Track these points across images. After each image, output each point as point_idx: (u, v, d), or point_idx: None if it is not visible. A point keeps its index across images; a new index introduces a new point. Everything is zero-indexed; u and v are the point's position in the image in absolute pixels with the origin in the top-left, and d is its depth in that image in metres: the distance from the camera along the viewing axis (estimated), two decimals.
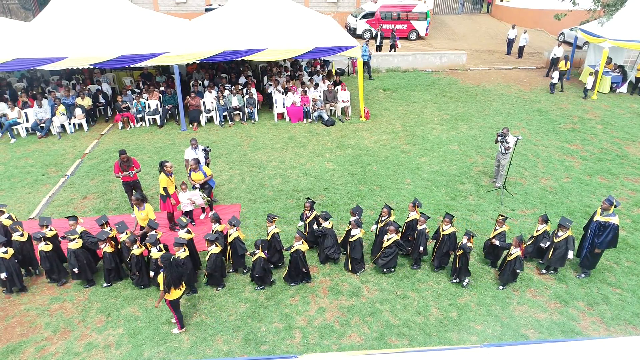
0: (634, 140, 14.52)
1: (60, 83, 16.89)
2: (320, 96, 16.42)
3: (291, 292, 8.29)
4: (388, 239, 8.43)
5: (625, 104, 17.74)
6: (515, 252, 8.14)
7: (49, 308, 7.90)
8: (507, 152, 11.20)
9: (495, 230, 8.76)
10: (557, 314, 7.88)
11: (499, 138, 11.23)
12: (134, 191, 10.11)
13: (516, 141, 11.03)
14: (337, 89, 16.51)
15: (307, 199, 9.30)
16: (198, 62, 15.73)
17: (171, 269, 7.02)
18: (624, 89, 17.41)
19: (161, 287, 7.00)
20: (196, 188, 9.83)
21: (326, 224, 8.71)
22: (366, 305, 8.02)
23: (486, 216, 10.56)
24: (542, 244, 8.72)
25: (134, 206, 8.81)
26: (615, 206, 8.24)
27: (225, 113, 15.78)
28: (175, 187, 9.76)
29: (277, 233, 8.65)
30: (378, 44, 23.39)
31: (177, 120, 15.75)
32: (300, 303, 8.05)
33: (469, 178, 12.26)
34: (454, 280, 8.52)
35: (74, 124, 15.21)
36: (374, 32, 26.13)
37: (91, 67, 14.83)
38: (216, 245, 8.03)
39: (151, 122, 15.77)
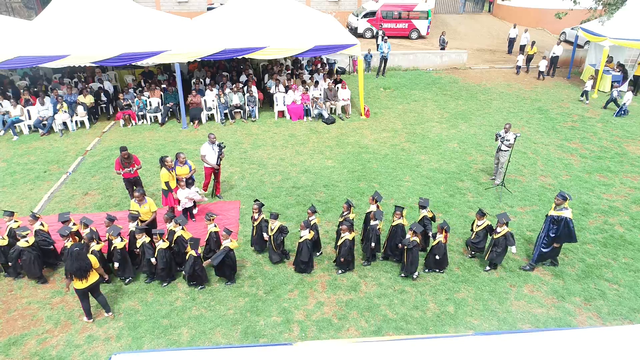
0: (634, 139, 14.55)
1: (63, 81, 17.01)
2: (320, 94, 16.49)
3: (290, 287, 8.36)
4: (342, 237, 8.41)
5: None
6: (502, 229, 8.29)
7: (50, 302, 7.98)
8: (508, 148, 11.25)
9: (478, 226, 8.84)
10: (554, 309, 7.93)
11: (500, 139, 11.30)
12: (134, 187, 10.17)
13: (515, 138, 11.08)
14: (338, 87, 16.59)
15: (255, 200, 9.06)
16: (199, 60, 15.83)
17: (72, 260, 7.03)
18: (624, 87, 17.47)
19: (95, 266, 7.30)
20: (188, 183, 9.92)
21: (305, 233, 8.41)
22: (364, 299, 8.08)
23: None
24: (495, 233, 8.72)
25: (136, 201, 8.87)
26: (567, 200, 8.36)
27: (226, 111, 15.87)
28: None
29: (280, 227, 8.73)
30: (378, 42, 23.43)
31: (178, 118, 15.84)
32: (299, 297, 8.12)
33: (468, 175, 12.31)
34: (402, 275, 8.58)
35: (75, 121, 15.32)
36: (375, 31, 26.20)
37: (93, 65, 14.94)
38: (163, 241, 8.18)
39: (152, 120, 15.88)
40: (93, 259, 7.29)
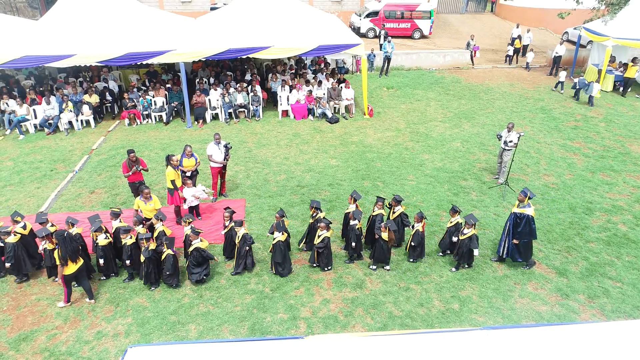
0: (637, 138, 14.60)
1: (68, 80, 17.10)
2: (324, 94, 16.56)
3: (296, 284, 8.44)
4: (319, 236, 8.49)
5: (628, 102, 17.80)
6: (469, 231, 8.39)
7: (60, 298, 8.05)
8: (511, 147, 11.31)
9: (450, 222, 8.94)
10: (558, 307, 7.99)
11: (500, 139, 11.39)
12: (140, 187, 10.13)
13: (519, 137, 11.14)
14: (341, 87, 16.66)
15: (226, 208, 9.01)
16: (203, 59, 15.91)
17: (66, 244, 7.34)
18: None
19: (57, 262, 7.39)
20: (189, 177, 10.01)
21: (278, 235, 8.42)
22: (369, 297, 8.16)
23: (488, 212, 10.68)
24: (453, 237, 8.82)
25: (142, 198, 8.94)
26: (530, 198, 8.45)
27: (231, 110, 15.95)
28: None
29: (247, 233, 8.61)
30: (381, 42, 23.51)
31: (183, 117, 15.94)
32: (305, 295, 8.20)
33: (472, 175, 12.37)
34: (372, 267, 8.79)
35: (81, 120, 15.42)
36: (377, 31, 26.27)
37: (98, 64, 15.04)
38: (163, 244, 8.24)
39: (157, 119, 15.97)
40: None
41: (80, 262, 7.63)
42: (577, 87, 17.85)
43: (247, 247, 8.51)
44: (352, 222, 8.77)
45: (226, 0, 27.51)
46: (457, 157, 13.36)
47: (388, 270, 8.77)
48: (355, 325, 7.58)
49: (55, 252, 7.44)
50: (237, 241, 8.55)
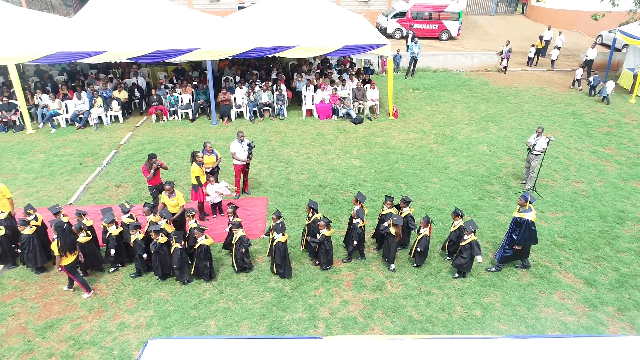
0: None
1: (98, 76, 17.53)
2: (349, 94, 16.50)
3: (315, 284, 8.42)
4: (320, 234, 8.47)
5: None
6: (469, 237, 8.23)
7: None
8: (539, 152, 11.03)
9: (454, 226, 8.79)
10: (585, 318, 7.74)
11: (529, 145, 11.16)
12: (160, 193, 10.13)
13: (548, 142, 10.86)
14: (366, 87, 16.57)
15: (229, 204, 9.04)
16: (230, 58, 16.06)
17: (64, 235, 7.58)
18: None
19: (56, 253, 7.53)
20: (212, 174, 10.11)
21: (278, 236, 8.32)
22: (389, 299, 8.07)
23: None
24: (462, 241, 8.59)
25: (166, 194, 9.06)
26: (530, 202, 8.26)
27: (255, 109, 16.06)
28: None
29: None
30: (408, 43, 23.27)
31: (209, 114, 16.12)
32: (325, 295, 8.17)
33: (498, 179, 12.12)
34: (392, 269, 8.75)
35: (110, 115, 15.78)
36: (404, 32, 26.03)
37: (128, 61, 15.36)
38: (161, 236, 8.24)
39: (183, 116, 16.21)
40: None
41: (76, 254, 7.84)
42: (592, 84, 18.06)
43: (244, 250, 8.44)
44: (354, 221, 8.74)
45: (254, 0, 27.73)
46: (483, 160, 13.11)
47: (393, 270, 8.70)
48: (374, 328, 7.50)
49: (55, 243, 7.54)
50: (233, 242, 8.49)
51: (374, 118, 16.24)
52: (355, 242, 8.70)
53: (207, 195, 9.88)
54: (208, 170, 10.23)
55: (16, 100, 14.93)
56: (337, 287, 8.35)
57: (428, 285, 8.42)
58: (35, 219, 8.61)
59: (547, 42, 24.09)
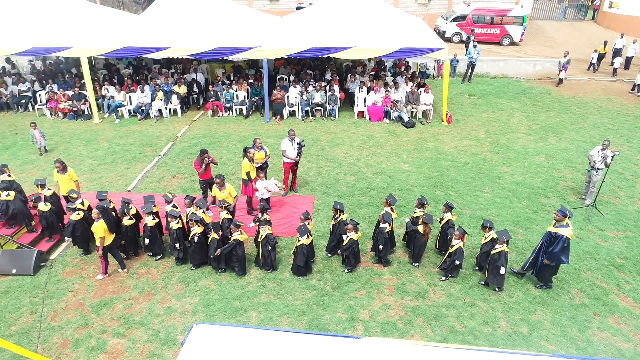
0: None
1: (161, 71, 18.38)
2: (402, 97, 16.32)
3: (357, 286, 8.41)
4: (347, 237, 8.45)
5: None
6: (500, 247, 7.93)
7: (137, 272, 8.71)
8: (600, 167, 10.43)
9: (485, 238, 8.42)
10: None
11: (592, 162, 10.59)
12: (210, 188, 10.49)
13: (612, 157, 10.24)
14: (420, 91, 16.31)
15: (260, 200, 9.14)
16: (286, 57, 16.33)
17: (109, 216, 8.47)
18: None
19: (102, 234, 8.02)
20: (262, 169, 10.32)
21: (302, 239, 8.35)
22: (431, 308, 7.92)
23: None
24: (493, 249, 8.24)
25: (216, 186, 9.37)
26: (569, 217, 7.81)
27: (308, 108, 16.24)
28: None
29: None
30: (468, 48, 22.65)
31: (262, 112, 16.48)
32: (365, 297, 8.14)
33: (555, 192, 11.57)
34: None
35: (169, 109, 16.51)
36: (464, 36, 25.39)
37: (189, 57, 16.00)
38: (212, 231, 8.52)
39: (238, 112, 16.67)
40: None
41: (113, 236, 8.38)
42: None
43: (270, 247, 8.50)
44: (381, 225, 8.64)
45: (312, 0, 28.02)
46: (540, 172, 12.56)
47: (416, 266, 8.68)
48: (414, 335, 7.39)
49: (100, 224, 8.00)
50: (260, 239, 8.57)
51: (426, 123, 15.97)
52: (380, 247, 8.63)
53: (257, 190, 10.11)
54: (257, 166, 10.47)
55: (86, 91, 15.95)
56: (379, 291, 8.30)
57: (473, 296, 8.19)
58: (82, 203, 9.15)
59: (619, 51, 22.67)
